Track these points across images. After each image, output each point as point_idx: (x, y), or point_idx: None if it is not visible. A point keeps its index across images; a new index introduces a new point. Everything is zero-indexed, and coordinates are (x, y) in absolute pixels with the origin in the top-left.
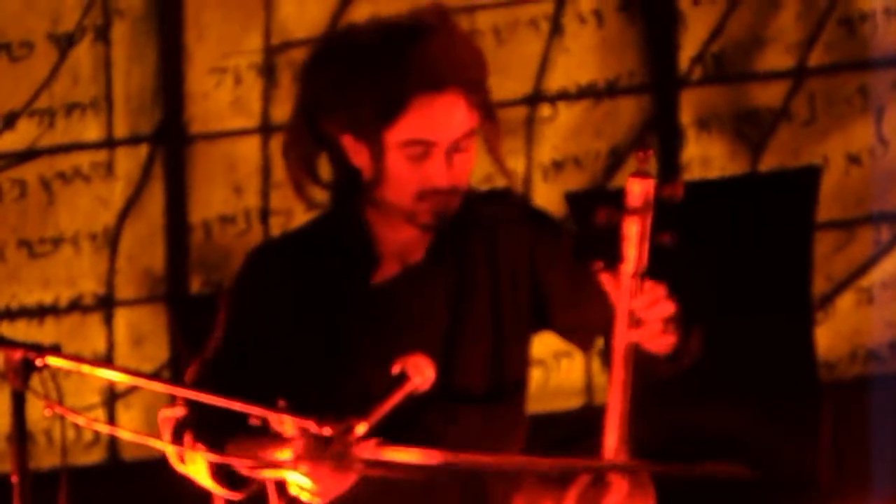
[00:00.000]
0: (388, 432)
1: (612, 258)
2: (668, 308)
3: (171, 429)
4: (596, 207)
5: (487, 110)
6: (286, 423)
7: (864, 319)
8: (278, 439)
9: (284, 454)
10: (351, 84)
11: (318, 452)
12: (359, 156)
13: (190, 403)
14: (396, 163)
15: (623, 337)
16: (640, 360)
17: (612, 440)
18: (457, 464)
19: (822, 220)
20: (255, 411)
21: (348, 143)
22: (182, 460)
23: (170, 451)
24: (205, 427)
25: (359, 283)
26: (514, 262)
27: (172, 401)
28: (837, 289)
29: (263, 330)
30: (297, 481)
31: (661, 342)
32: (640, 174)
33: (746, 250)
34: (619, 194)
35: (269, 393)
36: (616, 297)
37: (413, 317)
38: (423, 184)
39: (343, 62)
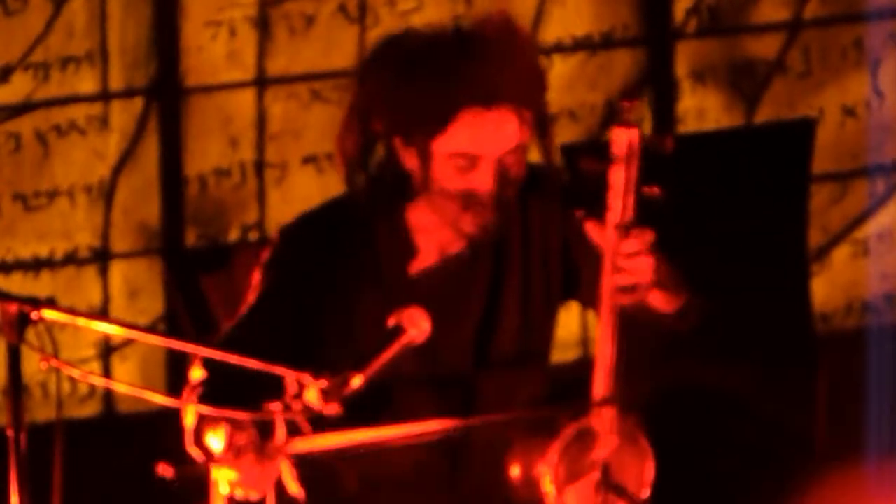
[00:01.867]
0: (425, 400)
1: (599, 208)
2: (651, 260)
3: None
4: (581, 157)
5: (541, 126)
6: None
7: (859, 271)
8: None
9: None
10: (403, 91)
11: (239, 445)
12: (408, 159)
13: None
14: (443, 171)
15: (609, 286)
16: (645, 317)
17: (600, 390)
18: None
19: (817, 173)
20: (253, 364)
21: (399, 145)
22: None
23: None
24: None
25: (396, 272)
26: (546, 241)
27: (176, 364)
28: (833, 241)
29: (296, 305)
30: (226, 476)
31: (648, 292)
32: (625, 123)
33: (741, 203)
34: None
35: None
36: (602, 246)
37: (449, 305)
38: (467, 194)
39: (398, 67)
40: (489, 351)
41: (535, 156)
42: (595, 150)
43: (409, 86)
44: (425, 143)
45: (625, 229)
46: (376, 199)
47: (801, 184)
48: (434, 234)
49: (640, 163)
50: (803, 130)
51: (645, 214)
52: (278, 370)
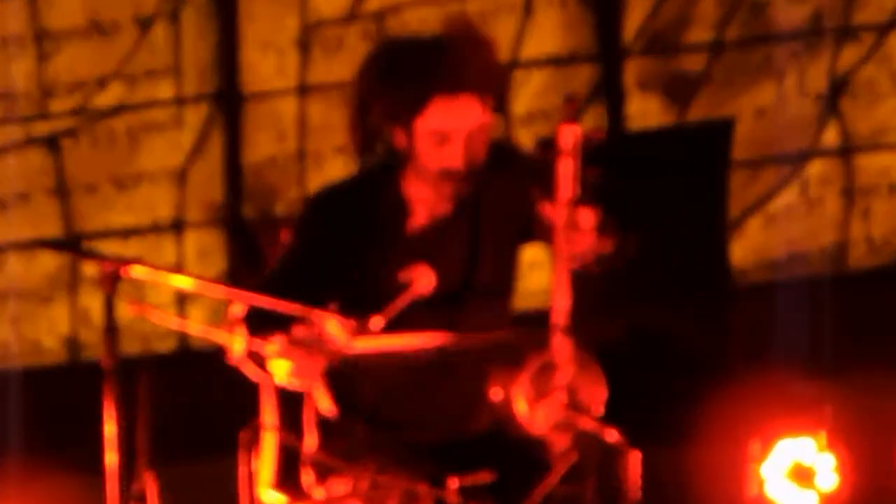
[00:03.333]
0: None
1: (551, 187)
2: (593, 235)
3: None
4: (536, 148)
5: (500, 106)
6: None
7: (768, 237)
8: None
9: (272, 345)
10: (389, 84)
11: (295, 342)
12: (399, 139)
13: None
14: (424, 146)
15: (561, 248)
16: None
17: (557, 328)
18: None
19: (736, 160)
20: (297, 310)
21: (390, 127)
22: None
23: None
24: (250, 324)
25: (396, 230)
26: (511, 203)
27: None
28: (747, 213)
29: (320, 256)
30: (280, 365)
31: (592, 248)
32: (568, 120)
33: (676, 184)
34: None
35: (319, 302)
36: (554, 218)
37: (438, 256)
38: (443, 165)
39: (383, 68)
40: (470, 286)
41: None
42: (553, 143)
43: (393, 81)
44: (409, 123)
45: (572, 204)
46: (379, 175)
47: (722, 169)
48: (424, 199)
49: (582, 151)
50: (725, 128)
51: (588, 191)
52: (312, 312)
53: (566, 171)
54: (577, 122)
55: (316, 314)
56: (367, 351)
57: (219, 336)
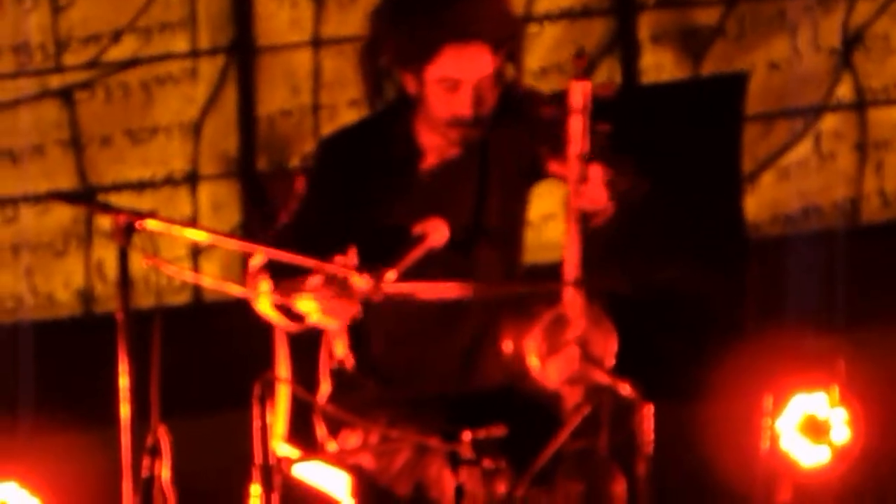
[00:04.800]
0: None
1: (561, 144)
2: (605, 191)
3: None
4: (548, 104)
5: (512, 54)
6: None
7: (782, 191)
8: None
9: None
10: (401, 30)
11: (329, 286)
12: (409, 84)
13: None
14: (434, 93)
15: (573, 203)
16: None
17: (569, 275)
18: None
19: (749, 114)
20: (307, 259)
21: (400, 73)
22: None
23: (263, 303)
24: (271, 272)
25: (406, 173)
26: (520, 145)
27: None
28: (761, 167)
29: (333, 201)
30: (313, 307)
31: (604, 204)
32: (578, 77)
33: (690, 138)
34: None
35: (335, 248)
36: (566, 175)
37: (447, 200)
38: (452, 112)
39: (397, 11)
40: (479, 230)
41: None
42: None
43: (406, 28)
44: (419, 71)
45: (583, 160)
46: (390, 117)
47: (736, 123)
48: (434, 145)
49: (592, 106)
50: (738, 81)
51: (599, 146)
52: (328, 266)
53: (577, 127)
54: (587, 78)
55: (331, 266)
56: (392, 292)
57: (235, 289)
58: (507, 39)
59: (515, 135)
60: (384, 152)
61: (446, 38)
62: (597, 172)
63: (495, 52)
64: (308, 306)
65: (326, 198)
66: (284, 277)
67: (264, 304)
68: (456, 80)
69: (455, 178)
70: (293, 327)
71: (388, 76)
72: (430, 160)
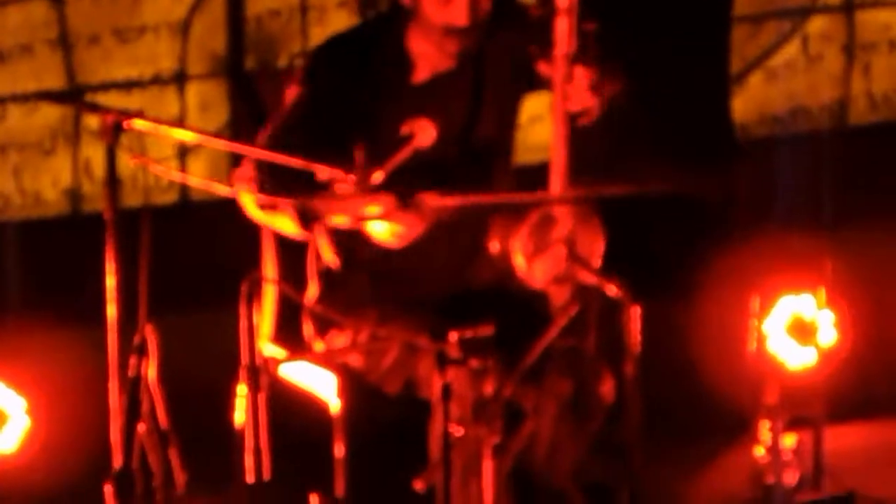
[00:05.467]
0: (433, 181)
1: (547, 43)
2: (592, 94)
3: (252, 183)
4: (534, 4)
5: None
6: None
7: (770, 91)
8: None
9: (374, 208)
10: None
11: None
12: None
13: (261, 162)
14: (428, 4)
15: (559, 103)
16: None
17: (556, 184)
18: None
19: (737, 15)
20: (298, 161)
21: None
22: (263, 209)
23: (247, 202)
24: (286, 180)
25: (398, 82)
26: (513, 57)
27: (236, 162)
28: (749, 68)
29: (325, 108)
30: (381, 227)
31: (587, 103)
32: None
33: (678, 36)
34: None
35: (328, 152)
36: (551, 74)
37: (440, 110)
38: (447, 21)
39: None
40: (472, 139)
41: None
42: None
43: None
44: None
45: (569, 60)
46: (383, 28)
47: (724, 23)
48: (427, 55)
49: (578, 6)
50: None
51: (584, 44)
52: (317, 167)
53: (563, 28)
54: None
55: (318, 167)
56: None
57: (222, 188)
58: None
59: (508, 43)
60: (376, 62)
61: None
62: (582, 73)
63: None
64: (377, 226)
65: (318, 105)
66: (280, 182)
67: (282, 215)
68: None
69: (447, 90)
70: (307, 235)
71: None
72: (422, 72)
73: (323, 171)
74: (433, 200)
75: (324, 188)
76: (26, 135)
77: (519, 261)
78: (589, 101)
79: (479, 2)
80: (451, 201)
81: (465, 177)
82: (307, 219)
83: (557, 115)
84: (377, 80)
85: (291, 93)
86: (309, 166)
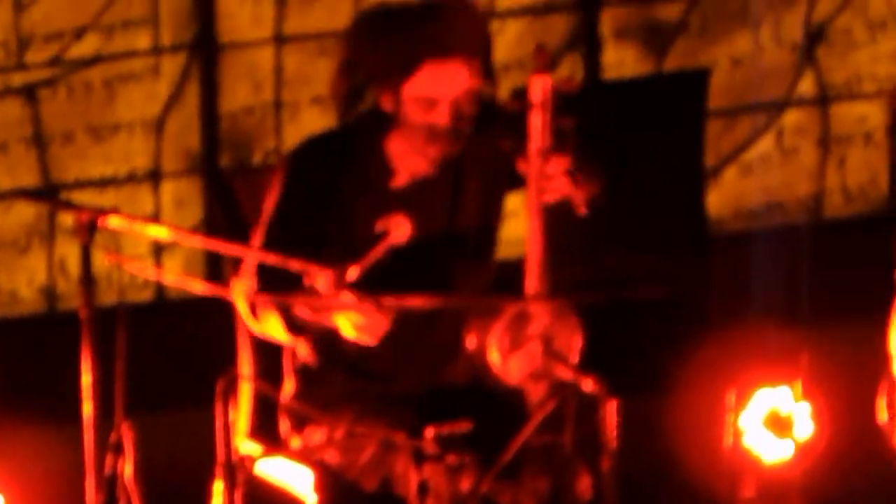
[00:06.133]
0: (411, 283)
1: (523, 138)
2: (567, 181)
3: (247, 298)
4: (510, 99)
5: (487, 71)
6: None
7: (745, 186)
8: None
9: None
10: (378, 48)
11: (364, 300)
12: (385, 101)
13: (257, 269)
14: (411, 110)
15: (534, 198)
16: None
17: (532, 279)
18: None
19: (712, 109)
20: (274, 260)
21: (377, 91)
22: (257, 319)
23: (245, 314)
24: (272, 287)
25: (378, 187)
26: (494, 162)
27: (212, 260)
28: (724, 162)
29: (305, 207)
30: (351, 322)
31: (566, 195)
32: (538, 71)
33: (653, 134)
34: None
35: (306, 252)
36: (527, 170)
37: (419, 214)
38: (430, 129)
39: (374, 30)
40: (451, 243)
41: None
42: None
43: (385, 45)
44: (397, 88)
45: (544, 155)
46: (362, 132)
47: (698, 118)
48: (407, 160)
49: (554, 101)
50: (701, 76)
51: (561, 140)
52: (294, 264)
53: (537, 122)
54: (547, 73)
55: (294, 263)
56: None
57: (198, 286)
58: (484, 54)
59: (490, 150)
60: (355, 165)
61: (425, 54)
62: (557, 164)
63: (473, 68)
64: (344, 321)
65: (296, 206)
66: (276, 284)
67: (272, 321)
68: (435, 97)
69: (427, 194)
70: (298, 342)
71: (363, 95)
72: (401, 176)
73: (298, 268)
74: (391, 300)
75: (310, 292)
76: (1, 233)
77: (494, 357)
78: (565, 190)
79: (463, 110)
80: (413, 302)
81: (446, 276)
82: (295, 325)
83: (533, 211)
84: (355, 183)
85: (271, 195)
86: (285, 263)
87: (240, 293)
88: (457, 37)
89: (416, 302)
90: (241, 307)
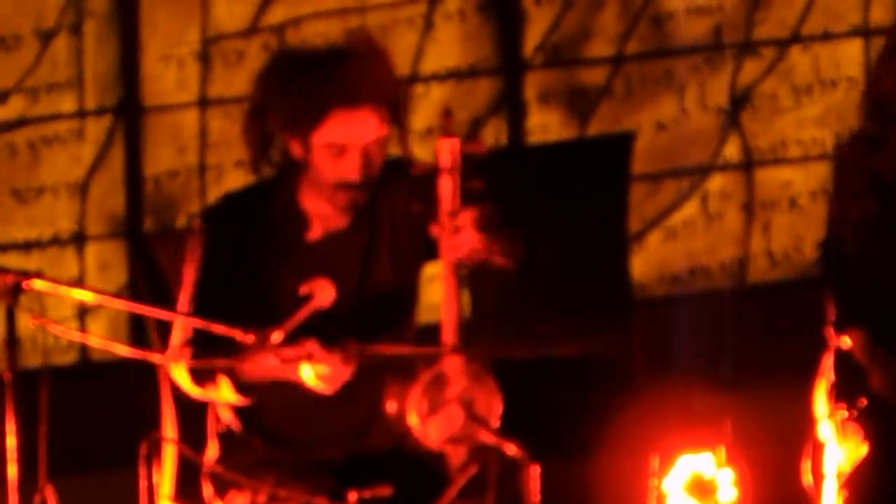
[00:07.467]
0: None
1: (433, 201)
2: (475, 233)
3: (185, 354)
4: (414, 164)
5: (397, 118)
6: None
7: (669, 251)
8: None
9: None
10: (287, 95)
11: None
12: (295, 149)
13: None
14: (320, 158)
15: (447, 259)
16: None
17: (448, 335)
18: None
19: (636, 174)
20: (198, 323)
21: (286, 138)
22: (201, 386)
23: (184, 381)
24: (211, 351)
25: (293, 241)
26: (407, 216)
27: (136, 323)
28: (648, 227)
29: (226, 270)
30: (312, 373)
31: (478, 249)
32: (445, 134)
33: (576, 197)
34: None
35: (233, 313)
36: (437, 231)
37: (334, 268)
38: (339, 177)
39: (283, 77)
40: (365, 298)
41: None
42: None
43: (293, 91)
44: (306, 135)
45: (454, 215)
46: (278, 185)
47: (622, 183)
48: (320, 212)
49: (464, 165)
50: (625, 141)
51: (471, 201)
52: (216, 328)
53: (446, 186)
54: (455, 136)
55: (219, 327)
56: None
57: (122, 349)
58: (393, 102)
59: (401, 204)
60: (270, 219)
61: (333, 102)
62: (465, 217)
63: (382, 116)
64: (307, 372)
65: (217, 270)
66: (215, 347)
67: (222, 386)
68: (343, 144)
69: (341, 248)
70: (246, 401)
71: (273, 141)
72: (315, 230)
73: (222, 332)
74: (355, 347)
75: (248, 350)
76: None
77: (414, 420)
78: (476, 242)
79: (371, 157)
80: (374, 349)
81: (361, 333)
82: (244, 385)
83: (447, 269)
84: (271, 237)
85: (192, 258)
86: (207, 326)
87: (178, 362)
88: (365, 84)
89: (383, 350)
90: (179, 375)
